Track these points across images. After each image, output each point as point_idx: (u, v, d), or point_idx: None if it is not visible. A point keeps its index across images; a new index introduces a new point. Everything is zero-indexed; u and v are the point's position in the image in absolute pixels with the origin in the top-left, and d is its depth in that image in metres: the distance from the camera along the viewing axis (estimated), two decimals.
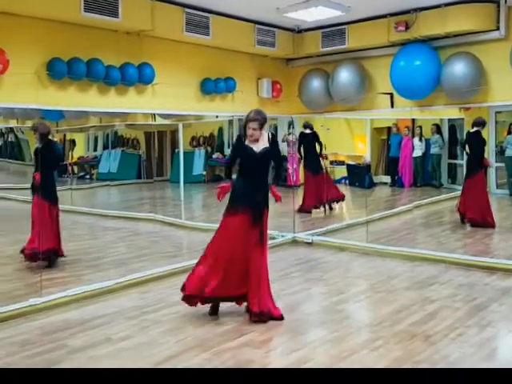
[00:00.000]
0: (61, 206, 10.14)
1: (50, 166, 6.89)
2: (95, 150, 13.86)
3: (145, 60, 7.33)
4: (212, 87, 8.29)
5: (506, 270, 6.28)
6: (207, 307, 5.26)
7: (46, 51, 6.36)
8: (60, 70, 6.38)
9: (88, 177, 13.47)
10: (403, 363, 3.93)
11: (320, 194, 10.05)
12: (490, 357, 4.05)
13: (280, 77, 9.56)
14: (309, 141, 9.99)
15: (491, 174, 10.54)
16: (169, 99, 7.68)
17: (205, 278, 4.83)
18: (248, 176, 4.90)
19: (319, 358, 4.05)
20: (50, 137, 6.93)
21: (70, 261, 7.13)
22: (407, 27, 8.25)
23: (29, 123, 8.82)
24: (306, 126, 10.26)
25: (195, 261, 6.74)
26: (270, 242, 7.85)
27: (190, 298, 4.90)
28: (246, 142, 4.90)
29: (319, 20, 8.60)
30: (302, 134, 10.01)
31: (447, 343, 4.30)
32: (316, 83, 9.41)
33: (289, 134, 11.53)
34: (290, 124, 11.59)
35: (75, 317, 5.10)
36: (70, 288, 5.63)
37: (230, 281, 4.83)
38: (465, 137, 8.87)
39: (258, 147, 4.88)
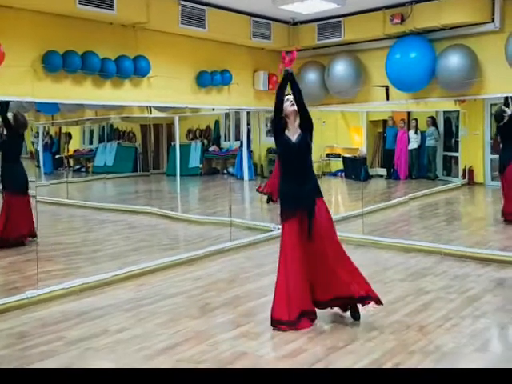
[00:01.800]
0: (57, 200, 10.22)
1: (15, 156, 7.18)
2: (91, 143, 13.84)
3: (140, 53, 7.32)
4: (208, 80, 8.29)
5: (500, 262, 6.32)
6: (202, 300, 5.32)
7: (41, 44, 6.34)
8: (55, 63, 6.37)
9: (84, 170, 13.45)
10: (397, 353, 3.97)
11: None
12: (483, 347, 4.09)
13: (276, 69, 9.55)
14: None
15: (487, 166, 10.59)
16: (165, 92, 7.68)
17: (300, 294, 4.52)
18: (292, 173, 4.64)
19: (314, 349, 4.09)
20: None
21: (66, 253, 7.17)
22: (403, 20, 8.26)
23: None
24: None
25: (191, 253, 6.87)
26: (266, 234, 7.95)
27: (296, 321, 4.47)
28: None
29: (315, 12, 8.60)
30: None
31: (441, 333, 4.34)
32: (312, 76, 9.41)
33: None
34: None
35: (72, 309, 5.13)
36: (67, 280, 5.66)
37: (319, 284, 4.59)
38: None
39: (293, 135, 4.66)
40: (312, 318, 4.54)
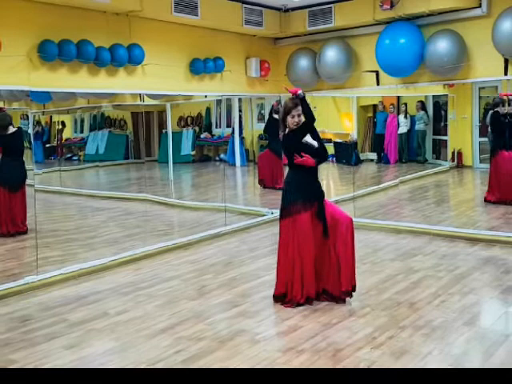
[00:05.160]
0: (51, 188, 10.29)
1: (13, 153, 7.40)
2: (82, 131, 13.85)
3: (134, 41, 7.34)
4: (201, 67, 8.33)
5: (487, 241, 6.51)
6: (199, 283, 5.45)
7: (37, 33, 6.35)
8: (51, 52, 6.38)
9: (76, 158, 13.48)
10: (389, 328, 4.13)
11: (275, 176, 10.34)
12: (471, 321, 4.25)
13: (268, 56, 9.62)
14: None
15: (475, 149, 10.72)
16: (159, 80, 7.71)
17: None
18: (299, 169, 4.75)
19: (310, 325, 4.24)
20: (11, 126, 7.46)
21: (63, 240, 7.27)
22: (392, 5, 8.32)
23: (15, 105, 8.85)
24: (277, 112, 10.54)
25: (187, 238, 6.99)
26: (259, 219, 8.09)
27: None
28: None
29: None
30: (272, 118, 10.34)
31: (431, 309, 4.51)
32: (303, 62, 9.49)
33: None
34: (279, 103, 11.70)
35: (72, 293, 5.25)
36: (65, 266, 5.77)
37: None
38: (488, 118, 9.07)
39: (304, 138, 4.73)
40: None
